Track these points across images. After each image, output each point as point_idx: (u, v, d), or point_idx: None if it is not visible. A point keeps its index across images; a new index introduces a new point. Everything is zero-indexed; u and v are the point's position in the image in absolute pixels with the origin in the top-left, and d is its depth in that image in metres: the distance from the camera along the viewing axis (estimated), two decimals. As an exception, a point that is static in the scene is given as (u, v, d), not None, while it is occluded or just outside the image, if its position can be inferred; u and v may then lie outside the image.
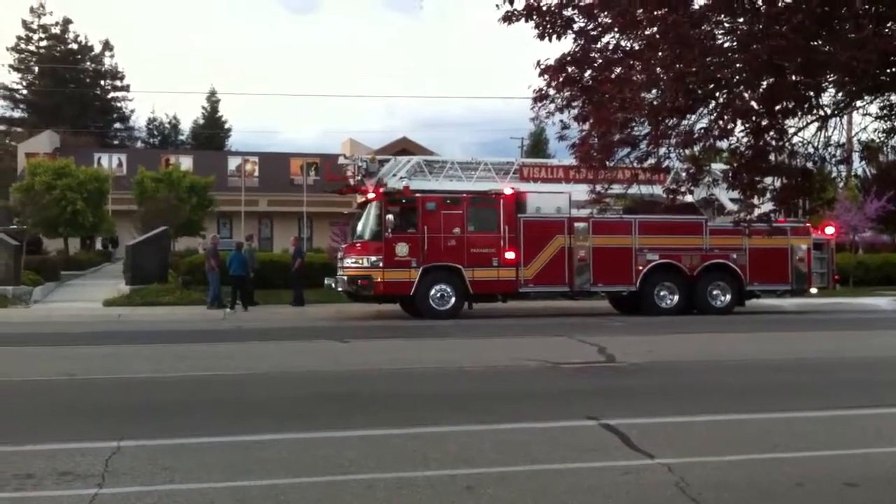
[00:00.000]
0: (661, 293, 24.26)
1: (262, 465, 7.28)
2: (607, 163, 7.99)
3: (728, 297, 24.52)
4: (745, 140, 7.17)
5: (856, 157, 7.72)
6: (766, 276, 24.81)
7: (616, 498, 6.41)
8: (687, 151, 7.45)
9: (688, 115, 6.93)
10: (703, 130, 6.89)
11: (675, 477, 6.81)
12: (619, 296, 25.00)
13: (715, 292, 24.48)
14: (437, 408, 9.92)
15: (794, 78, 6.21)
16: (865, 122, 7.58)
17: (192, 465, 7.23)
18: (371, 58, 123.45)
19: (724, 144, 7.20)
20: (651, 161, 7.60)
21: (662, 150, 7.59)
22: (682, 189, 8.13)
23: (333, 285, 24.15)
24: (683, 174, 8.04)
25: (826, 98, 7.05)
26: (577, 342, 16.31)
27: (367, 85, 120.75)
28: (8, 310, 24.26)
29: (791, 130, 7.09)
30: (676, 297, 24.26)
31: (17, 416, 9.60)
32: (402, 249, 22.71)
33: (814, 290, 25.77)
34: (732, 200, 17.79)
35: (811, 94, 6.55)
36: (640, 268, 24.05)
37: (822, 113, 6.92)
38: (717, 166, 8.65)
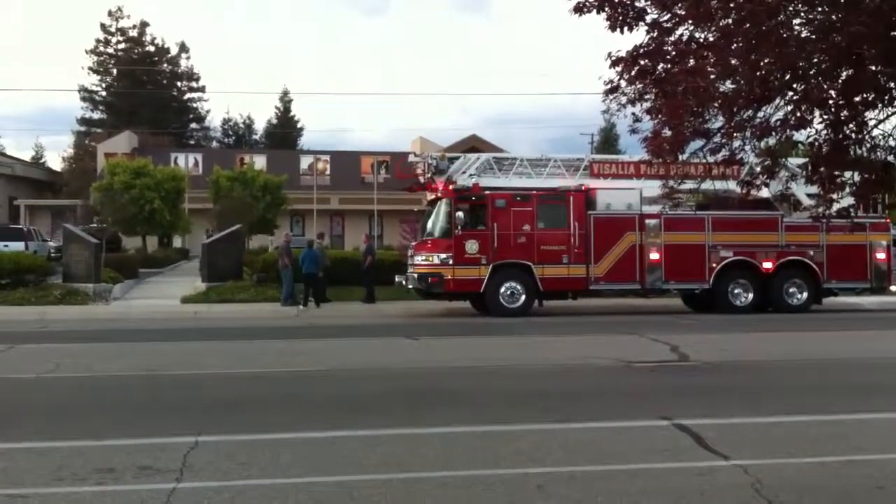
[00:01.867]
0: (736, 291, 23.82)
1: (338, 461, 7.37)
2: (679, 156, 7.88)
3: (805, 294, 23.96)
4: (823, 132, 7.01)
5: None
6: (844, 273, 24.17)
7: (690, 500, 6.34)
8: (762, 144, 7.30)
9: (763, 106, 6.80)
10: (778, 122, 6.76)
11: (750, 479, 6.71)
12: (692, 293, 24.63)
13: (791, 290, 23.94)
14: (507, 406, 9.92)
15: (873, 68, 6.05)
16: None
17: (268, 461, 7.35)
18: (440, 57, 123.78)
19: (800, 136, 7.05)
20: (724, 153, 7.48)
21: (737, 143, 7.46)
22: (757, 182, 7.97)
23: (404, 282, 24.27)
24: (758, 168, 7.89)
25: None
26: (649, 340, 16.14)
27: (436, 83, 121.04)
28: (88, 306, 24.92)
29: (871, 123, 6.91)
30: (751, 295, 23.79)
31: (98, 411, 9.86)
32: (471, 247, 22.73)
33: (894, 288, 25.08)
34: (809, 196, 17.35)
35: (892, 85, 6.38)
36: (714, 265, 23.65)
37: None
38: (794, 160, 8.48)
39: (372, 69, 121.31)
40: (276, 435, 8.31)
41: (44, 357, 13.97)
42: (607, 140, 66.37)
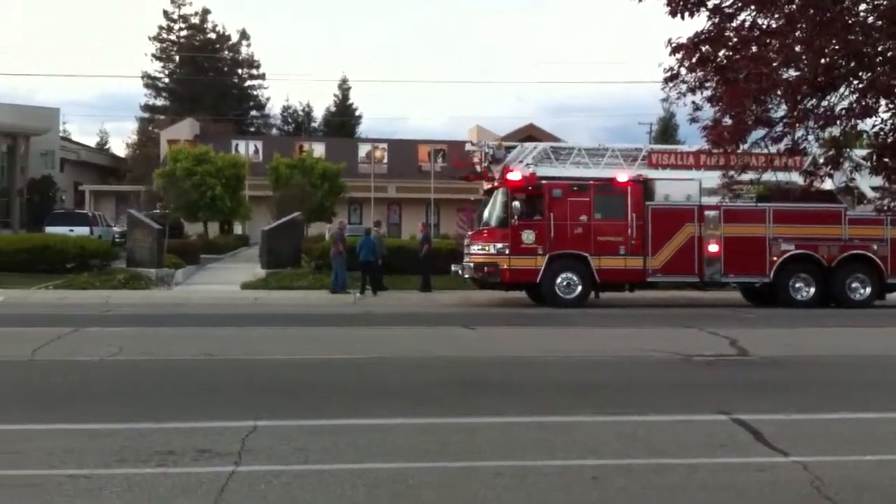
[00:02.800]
0: (797, 285, 23.40)
1: (392, 448, 7.44)
2: (740, 146, 7.77)
3: (868, 289, 23.43)
4: (890, 122, 6.85)
5: None
6: (910, 268, 23.59)
7: (748, 496, 6.28)
8: (826, 133, 7.15)
9: (828, 94, 6.66)
10: (843, 111, 6.61)
11: (810, 476, 6.62)
12: (752, 287, 24.27)
13: (854, 285, 23.43)
14: (563, 397, 9.91)
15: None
16: None
17: (325, 447, 7.44)
18: (499, 44, 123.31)
19: (866, 126, 6.89)
20: (787, 143, 7.34)
21: (800, 133, 7.32)
22: (821, 173, 7.82)
23: (460, 272, 24.31)
24: (822, 158, 7.73)
25: None
26: (708, 334, 15.96)
27: (494, 71, 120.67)
28: (151, 291, 25.40)
29: None
30: (813, 290, 23.35)
31: (159, 394, 10.05)
32: (528, 237, 22.66)
33: (962, 284, 24.37)
34: (873, 188, 16.95)
35: None
36: (775, 258, 23.25)
37: None
38: (859, 151, 8.28)
39: (430, 57, 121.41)
40: (333, 421, 8.40)
41: (107, 340, 14.27)
42: (666, 130, 65.51)
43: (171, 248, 30.94)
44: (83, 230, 35.63)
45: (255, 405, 9.05)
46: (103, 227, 39.25)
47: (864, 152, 8.06)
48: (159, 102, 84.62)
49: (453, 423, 8.40)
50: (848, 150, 7.45)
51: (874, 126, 6.90)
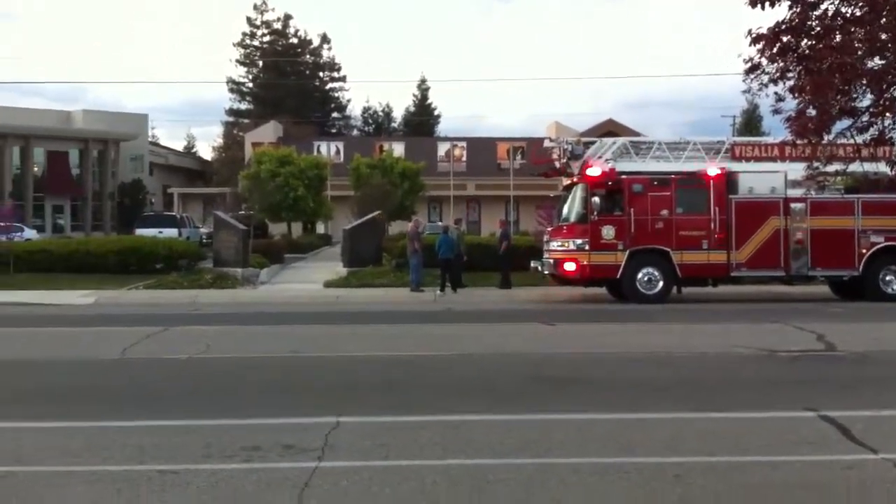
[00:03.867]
0: (888, 278, 22.66)
1: (472, 444, 7.46)
2: (825, 136, 7.60)
3: (962, 282, 22.61)
4: None
5: None
6: None
7: (835, 494, 6.15)
8: None
9: None
10: None
11: (900, 474, 6.44)
12: (840, 280, 23.60)
13: (946, 277, 22.64)
14: (644, 394, 9.81)
15: None
16: None
17: (406, 443, 7.51)
18: (578, 40, 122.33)
19: None
20: (873, 132, 7.16)
21: (886, 122, 7.13)
22: None
23: (539, 268, 24.24)
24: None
25: None
26: (794, 329, 15.59)
27: (573, 67, 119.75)
28: (237, 290, 25.95)
29: None
30: (904, 283, 22.63)
31: (245, 390, 10.28)
32: (608, 232, 22.46)
33: None
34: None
35: None
36: (864, 251, 22.56)
37: None
38: None
39: (508, 54, 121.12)
40: (414, 417, 8.48)
41: (196, 338, 14.64)
42: (749, 122, 64.25)
43: (256, 248, 31.56)
44: (171, 232, 36.68)
45: (337, 401, 9.19)
46: (191, 229, 40.27)
47: None
48: (243, 106, 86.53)
49: (533, 420, 8.39)
50: None
51: None
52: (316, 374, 11.44)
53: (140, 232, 36.55)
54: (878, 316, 18.55)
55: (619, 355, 13.03)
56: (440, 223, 36.57)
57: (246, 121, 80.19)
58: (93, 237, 41.04)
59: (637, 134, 43.53)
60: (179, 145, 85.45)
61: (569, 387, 10.31)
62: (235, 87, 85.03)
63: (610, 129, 49.48)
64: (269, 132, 63.19)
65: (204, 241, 37.60)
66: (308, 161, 44.17)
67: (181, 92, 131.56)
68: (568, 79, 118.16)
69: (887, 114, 6.72)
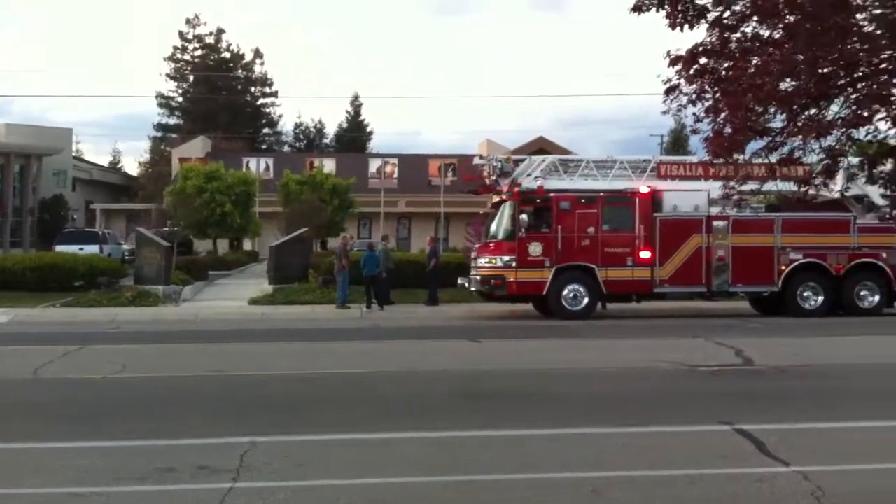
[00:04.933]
0: (805, 294, 23.24)
1: (397, 462, 7.39)
2: (739, 156, 7.76)
3: (877, 297, 23.21)
4: (892, 131, 6.83)
5: None
6: (920, 275, 23.44)
7: (747, 506, 6.22)
8: (821, 143, 7.13)
9: (823, 104, 6.65)
10: (839, 119, 6.60)
11: (811, 486, 6.53)
12: (760, 296, 24.12)
13: (863, 293, 23.22)
14: (567, 409, 9.85)
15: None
16: None
17: (326, 462, 7.40)
18: (514, 57, 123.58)
19: (860, 135, 6.87)
20: (782, 153, 7.33)
21: (796, 142, 7.30)
22: (816, 182, 7.81)
23: (466, 285, 24.29)
24: (817, 167, 7.72)
25: None
26: (714, 344, 15.85)
27: (506, 85, 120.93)
28: (159, 308, 25.42)
29: None
30: (821, 298, 23.17)
31: (160, 411, 10.01)
32: (535, 249, 22.62)
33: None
34: (883, 196, 16.86)
35: None
36: (783, 267, 23.11)
37: None
38: (856, 159, 8.25)
39: (443, 71, 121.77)
40: (334, 436, 8.36)
41: (112, 358, 14.26)
42: (677, 141, 65.44)
43: (180, 265, 31.05)
44: (93, 248, 35.82)
45: (256, 421, 9.03)
46: (113, 245, 39.44)
47: (856, 159, 8.03)
48: (172, 121, 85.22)
49: (460, 437, 8.35)
50: (843, 158, 7.43)
51: (868, 134, 6.87)
52: (235, 393, 11.22)
53: (60, 248, 35.59)
54: (795, 331, 18.96)
55: (543, 371, 13.08)
56: (361, 241, 36.43)
57: (174, 136, 79.04)
58: (11, 254, 39.91)
59: (567, 152, 44.01)
60: (105, 160, 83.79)
61: (493, 403, 10.28)
62: (165, 101, 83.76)
63: (541, 146, 49.94)
64: (197, 147, 62.39)
65: (126, 257, 36.82)
66: (236, 177, 43.69)
67: (109, 106, 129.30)
68: (501, 96, 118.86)
69: (798, 134, 6.87)
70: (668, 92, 7.15)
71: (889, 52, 5.88)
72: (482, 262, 23.51)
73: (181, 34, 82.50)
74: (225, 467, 7.15)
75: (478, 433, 8.48)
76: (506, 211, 23.34)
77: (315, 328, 20.41)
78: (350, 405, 10.21)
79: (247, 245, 51.80)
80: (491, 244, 23.67)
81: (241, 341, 17.46)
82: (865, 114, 6.19)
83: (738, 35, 6.41)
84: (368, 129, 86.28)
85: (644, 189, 23.29)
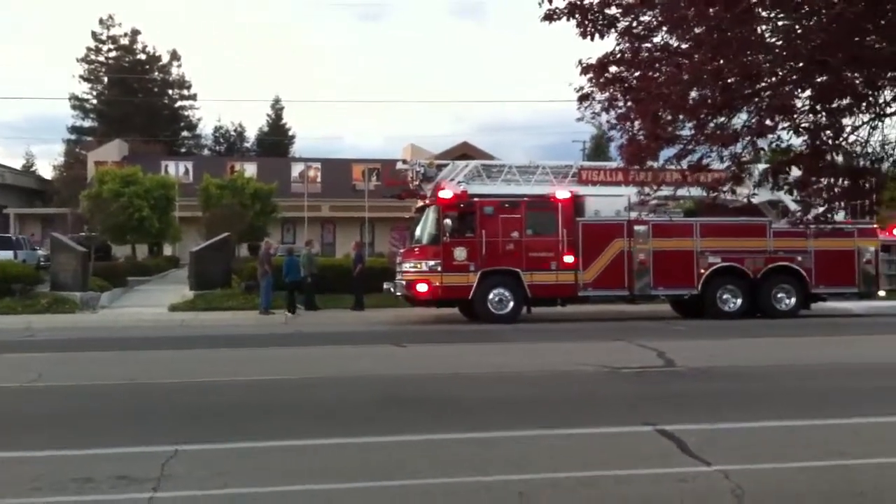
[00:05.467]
0: (724, 296, 23.83)
1: (318, 469, 7.33)
2: (652, 163, 7.88)
3: (793, 300, 23.98)
4: (799, 140, 7.01)
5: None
6: (832, 278, 24.21)
7: (670, 506, 6.31)
8: (728, 151, 7.28)
9: (727, 114, 6.80)
10: (745, 128, 6.75)
11: (731, 484, 6.68)
12: (681, 299, 24.64)
13: (779, 295, 23.95)
14: (493, 413, 9.89)
15: (849, 75, 6.05)
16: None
17: (248, 470, 7.30)
18: (437, 64, 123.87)
19: (764, 143, 7.04)
20: (691, 160, 7.47)
21: (703, 151, 7.45)
22: (724, 189, 7.99)
23: (392, 290, 24.25)
24: (725, 174, 7.90)
25: (888, 95, 6.86)
26: (637, 346, 16.11)
27: (431, 90, 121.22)
28: (76, 315, 24.77)
29: (847, 129, 6.90)
30: (739, 301, 23.80)
31: (81, 420, 9.78)
32: (460, 254, 22.70)
33: (882, 293, 25.09)
34: (796, 202, 17.34)
35: (868, 91, 6.38)
36: (702, 271, 23.66)
37: (879, 111, 6.73)
38: (763, 166, 8.44)
39: (366, 76, 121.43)
40: (256, 443, 8.25)
41: (27, 366, 13.89)
42: (598, 147, 66.38)
43: (97, 270, 30.34)
44: (6, 254, 34.67)
45: (176, 429, 8.86)
46: (28, 251, 38.28)
47: (763, 166, 8.22)
48: (87, 124, 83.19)
49: (382, 442, 8.30)
50: (750, 166, 7.61)
51: (771, 143, 7.05)
52: (155, 401, 11.00)
53: (-29, 255, 34.41)
54: (715, 333, 19.39)
55: (469, 375, 13.11)
56: (285, 246, 36.06)
57: (90, 139, 77.16)
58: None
59: (491, 157, 44.25)
60: (18, 163, 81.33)
61: (420, 408, 10.27)
62: (79, 103, 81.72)
63: (465, 151, 50.10)
64: (113, 151, 61.04)
65: (42, 263, 35.78)
66: (154, 181, 42.90)
67: (21, 108, 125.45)
68: (424, 102, 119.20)
69: (704, 143, 7.00)
70: (581, 100, 7.22)
71: (792, 64, 6.06)
72: (407, 266, 23.49)
73: (94, 35, 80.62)
74: (145, 476, 7.01)
75: (401, 438, 8.46)
76: (430, 216, 23.36)
77: (237, 335, 20.12)
78: (273, 412, 10.08)
79: (167, 250, 50.84)
80: (416, 249, 23.66)
81: (160, 348, 17.11)
82: (769, 123, 6.34)
83: (649, 45, 6.53)
84: (290, 133, 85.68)
85: (567, 194, 23.57)
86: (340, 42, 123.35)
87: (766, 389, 11.60)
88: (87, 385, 12.37)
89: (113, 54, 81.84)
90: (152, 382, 12.53)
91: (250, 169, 53.78)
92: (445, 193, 22.95)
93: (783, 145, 7.01)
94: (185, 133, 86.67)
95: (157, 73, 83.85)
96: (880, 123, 6.96)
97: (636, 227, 23.55)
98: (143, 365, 14.48)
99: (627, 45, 6.81)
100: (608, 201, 23.77)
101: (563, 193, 23.57)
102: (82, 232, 39.12)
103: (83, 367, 14.57)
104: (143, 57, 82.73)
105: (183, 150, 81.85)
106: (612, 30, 6.79)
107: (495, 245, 22.83)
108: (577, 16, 6.74)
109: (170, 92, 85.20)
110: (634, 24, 6.74)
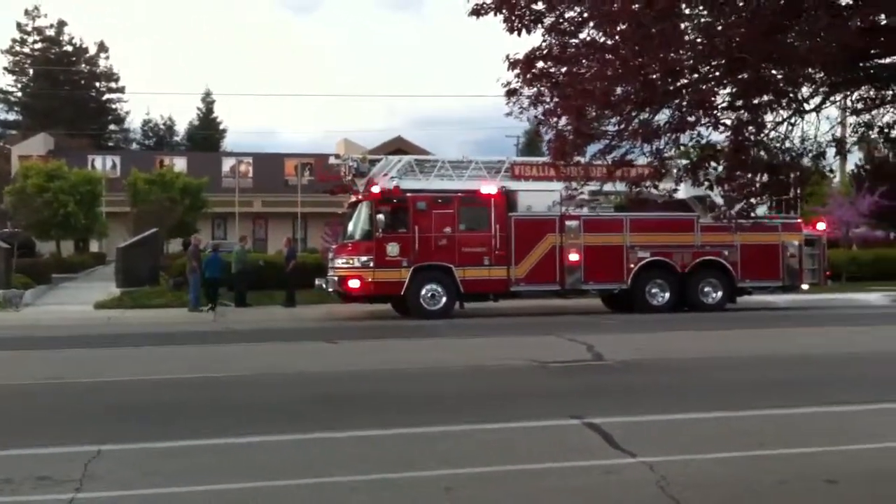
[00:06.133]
0: (653, 291, 24.18)
1: (247, 468, 7.25)
2: (579, 158, 7.95)
3: (719, 293, 24.46)
4: (723, 135, 7.14)
5: (836, 151, 7.62)
6: (757, 272, 24.75)
7: (596, 498, 6.39)
8: (651, 146, 7.38)
9: (649, 109, 6.88)
10: (667, 124, 6.85)
11: (656, 476, 6.78)
12: (611, 294, 24.93)
13: (706, 289, 24.41)
14: (423, 408, 9.90)
15: (769, 72, 6.18)
16: (840, 116, 7.57)
17: (175, 469, 7.20)
18: (371, 57, 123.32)
19: (685, 139, 7.15)
20: (615, 154, 7.55)
21: (626, 146, 7.53)
22: (646, 185, 8.11)
23: (324, 286, 24.10)
24: (646, 170, 8.01)
25: (806, 92, 7.03)
26: (567, 341, 16.27)
27: (366, 85, 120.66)
28: (-2, 313, 24.15)
29: (769, 125, 7.05)
30: (668, 295, 24.17)
31: (1, 420, 9.55)
32: (392, 249, 22.64)
33: (805, 287, 25.71)
34: (722, 197, 17.69)
35: (790, 88, 6.52)
36: (632, 265, 23.98)
37: (799, 107, 6.90)
38: (684, 162, 8.59)
39: (300, 69, 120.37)
40: (185, 442, 8.16)
41: (-55, 366, 13.47)
42: (531, 142, 66.82)
43: (21, 267, 29.62)
44: (-76, 251, 33.59)
45: (101, 429, 8.69)
46: (-53, 248, 37.14)
47: (683, 161, 8.35)
48: (12, 117, 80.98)
49: (312, 439, 8.25)
50: (670, 162, 7.72)
51: (692, 139, 7.16)
52: (79, 400, 10.80)
53: None
54: (644, 327, 19.69)
55: (399, 371, 13.10)
56: (212, 242, 35.57)
57: (14, 132, 75.11)
58: None
59: (425, 152, 44.16)
60: (-63, 157, 78.87)
61: (348, 404, 10.23)
62: (3, 96, 79.46)
63: (399, 146, 49.96)
64: (38, 144, 59.44)
65: (-38, 260, 34.77)
66: (80, 175, 41.81)
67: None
68: (356, 96, 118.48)
69: (629, 138, 7.08)
70: (508, 95, 7.25)
71: (713, 61, 6.16)
72: (339, 262, 23.36)
73: (20, 26, 78.47)
74: (67, 477, 6.88)
75: (329, 435, 8.41)
76: (363, 211, 23.26)
77: (166, 332, 19.77)
78: (201, 411, 9.96)
79: (94, 247, 49.75)
80: (348, 245, 23.54)
81: (85, 347, 16.71)
82: (690, 119, 6.43)
83: (576, 41, 6.58)
84: (222, 127, 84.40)
85: (497, 190, 23.65)
86: (273, 35, 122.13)
87: (690, 382, 11.81)
88: (8, 385, 12.03)
89: (39, 46, 79.75)
90: (76, 381, 12.26)
91: (180, 163, 52.85)
92: (378, 189, 22.86)
93: (704, 141, 7.13)
94: (112, 127, 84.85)
95: (83, 66, 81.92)
96: (800, 119, 7.13)
97: (567, 223, 23.75)
98: (67, 363, 14.14)
99: (554, 40, 6.85)
100: (540, 196, 23.88)
101: (494, 189, 23.66)
102: (5, 228, 38.13)
103: (4, 365, 14.21)
104: (69, 49, 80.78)
105: (110, 144, 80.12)
106: (539, 25, 6.81)
107: (428, 241, 22.81)
108: (504, 11, 6.75)
109: (97, 84, 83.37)
110: (561, 19, 6.78)
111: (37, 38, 79.53)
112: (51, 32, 79.66)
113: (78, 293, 29.51)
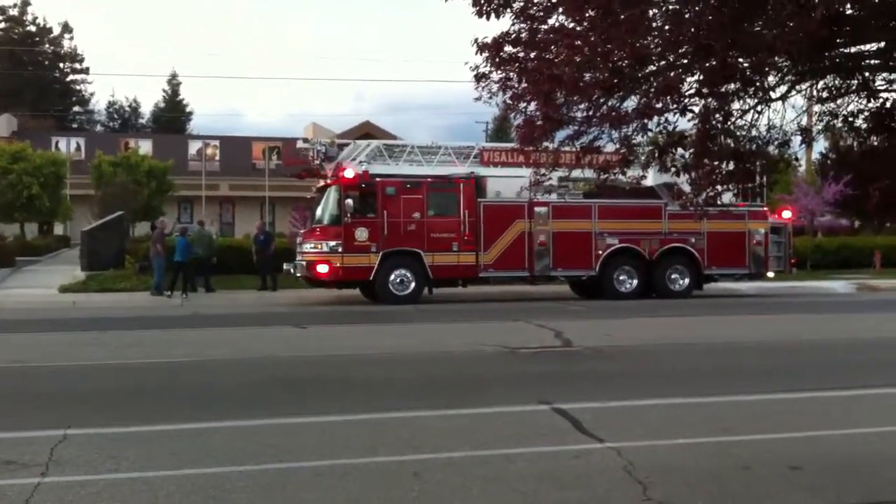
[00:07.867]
0: (621, 277, 24.34)
1: (212, 453, 7.23)
2: (547, 144, 7.95)
3: (686, 280, 24.67)
4: (690, 123, 7.18)
5: (802, 139, 7.72)
6: (723, 260, 24.98)
7: (564, 482, 6.42)
8: (618, 132, 7.40)
9: (616, 94, 6.90)
10: (634, 110, 6.88)
11: (623, 461, 6.84)
12: (579, 280, 25.04)
13: (674, 276, 24.60)
14: (390, 394, 9.89)
15: (736, 60, 6.21)
16: (806, 104, 7.65)
17: (140, 454, 7.15)
18: (340, 40, 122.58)
19: (652, 125, 7.18)
20: (584, 140, 7.57)
21: (594, 132, 7.55)
22: (615, 171, 8.14)
23: (292, 270, 24.00)
24: (613, 157, 8.04)
25: (773, 80, 7.08)
26: (535, 327, 16.33)
27: (335, 68, 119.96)
28: (-40, 297, 23.80)
29: (736, 113, 7.10)
30: (636, 282, 24.34)
31: (-37, 405, 9.43)
32: (361, 234, 22.58)
33: (770, 274, 25.97)
34: (689, 184, 17.81)
35: (756, 77, 6.56)
36: (600, 252, 24.10)
37: (766, 96, 6.95)
38: (650, 147, 8.64)
39: (269, 51, 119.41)
40: (149, 427, 8.10)
41: None
42: (501, 128, 66.85)
43: (-17, 250, 29.19)
44: None
45: (66, 413, 8.62)
46: None
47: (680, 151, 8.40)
48: (-27, 98, 79.69)
49: (277, 424, 8.23)
50: (637, 148, 7.75)
51: (659, 125, 7.19)
52: (44, 384, 10.69)
53: None
54: (612, 313, 19.80)
55: (367, 357, 13.09)
56: (178, 225, 35.29)
57: (-25, 113, 74.04)
58: None
59: (393, 137, 44.08)
60: None
61: (315, 389, 10.22)
62: (-36, 76, 78.37)
63: (367, 131, 49.78)
64: (1, 126, 58.59)
65: (-76, 243, 34.29)
66: (44, 157, 41.43)
67: None
68: (324, 79, 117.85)
69: (597, 124, 7.10)
70: (477, 79, 7.24)
71: (680, 48, 6.19)
72: (308, 247, 23.26)
73: (-18, 5, 77.16)
74: (33, 462, 6.84)
75: (296, 420, 8.41)
76: (331, 196, 23.16)
77: (131, 316, 19.61)
78: (167, 395, 9.90)
79: (58, 230, 49.23)
80: (317, 229, 23.43)
81: (49, 331, 16.57)
82: (657, 105, 6.45)
83: (545, 26, 6.57)
84: (188, 110, 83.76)
85: (467, 175, 23.66)
86: (241, 17, 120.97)
87: (657, 368, 11.92)
88: (-29, 369, 11.89)
89: (1, 26, 78.50)
90: (40, 365, 12.12)
91: (145, 146, 52.42)
92: (347, 173, 22.73)
93: (672, 128, 7.17)
94: (76, 108, 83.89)
95: (47, 46, 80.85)
96: (766, 108, 7.19)
97: (537, 209, 23.83)
98: (31, 348, 13.98)
99: (523, 25, 6.84)
100: (509, 183, 23.92)
101: (464, 174, 23.66)
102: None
103: (-34, 350, 13.99)
104: (33, 29, 79.67)
105: (75, 125, 79.22)
106: (508, 10, 6.80)
107: (397, 226, 22.78)
108: None
109: (61, 65, 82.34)
110: (530, 4, 6.77)
111: (0, 17, 78.26)
112: (14, 12, 78.54)
113: (42, 277, 29.18)
